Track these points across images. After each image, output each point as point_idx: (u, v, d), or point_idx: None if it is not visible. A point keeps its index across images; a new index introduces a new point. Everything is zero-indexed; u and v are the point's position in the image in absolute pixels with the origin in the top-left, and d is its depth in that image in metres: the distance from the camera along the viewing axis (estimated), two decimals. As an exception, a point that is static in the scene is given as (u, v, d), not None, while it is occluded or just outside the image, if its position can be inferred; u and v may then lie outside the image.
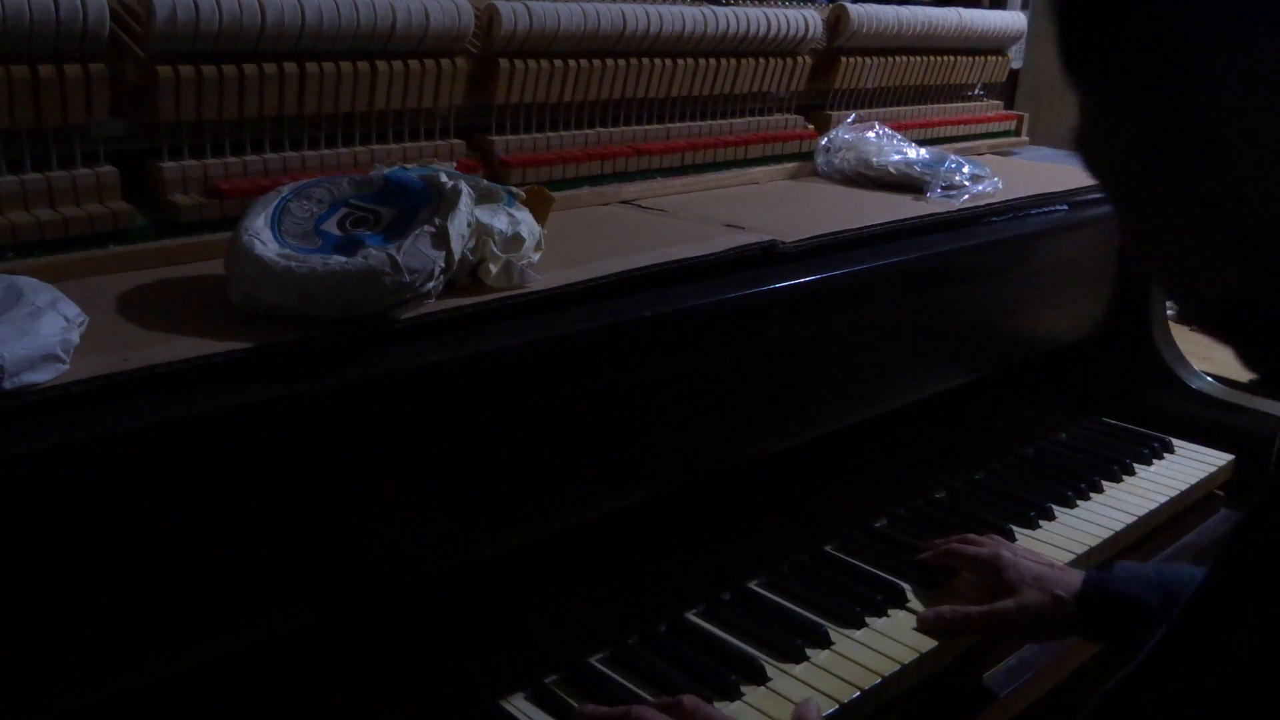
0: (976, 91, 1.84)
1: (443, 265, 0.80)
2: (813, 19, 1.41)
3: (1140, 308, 1.60)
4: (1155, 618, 0.92)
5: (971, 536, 1.14)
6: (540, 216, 0.95)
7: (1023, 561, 1.06)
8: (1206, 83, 0.45)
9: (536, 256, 0.92)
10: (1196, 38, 0.45)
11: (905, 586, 1.09)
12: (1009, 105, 1.91)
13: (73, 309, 0.71)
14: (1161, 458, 1.46)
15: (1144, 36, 0.47)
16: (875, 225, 1.19)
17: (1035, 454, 1.46)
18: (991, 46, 1.77)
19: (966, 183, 1.38)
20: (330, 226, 0.83)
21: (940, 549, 1.12)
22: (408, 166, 0.93)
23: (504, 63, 1.12)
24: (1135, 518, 1.29)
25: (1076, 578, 1.04)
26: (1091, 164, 0.54)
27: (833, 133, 1.47)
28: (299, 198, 0.86)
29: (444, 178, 0.85)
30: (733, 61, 1.34)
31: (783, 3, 1.46)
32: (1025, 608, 1.02)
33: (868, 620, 1.04)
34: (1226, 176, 0.47)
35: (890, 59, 1.57)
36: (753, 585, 1.09)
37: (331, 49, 0.98)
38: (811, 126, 1.50)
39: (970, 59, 1.74)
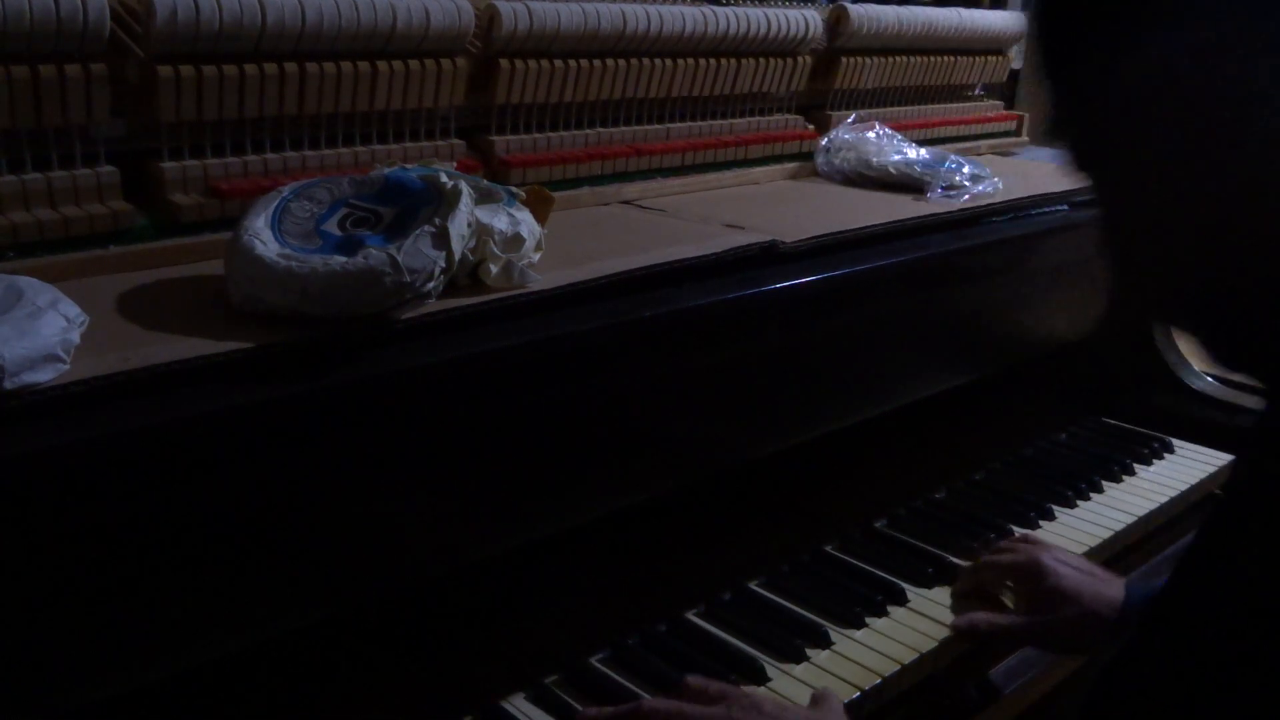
0: (977, 91, 1.84)
1: (443, 265, 0.80)
2: (813, 19, 1.41)
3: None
4: None
5: (1005, 544, 1.12)
6: (540, 216, 0.95)
7: (1063, 570, 1.02)
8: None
9: (536, 256, 0.92)
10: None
11: (905, 586, 1.09)
12: (1009, 105, 1.91)
13: (73, 309, 0.71)
14: (1161, 458, 1.46)
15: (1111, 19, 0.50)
16: (875, 225, 1.19)
17: (1035, 454, 1.46)
18: (991, 46, 1.77)
19: (966, 183, 1.38)
20: (331, 226, 0.83)
21: (976, 565, 1.10)
22: (408, 166, 0.93)
23: (504, 63, 1.12)
24: (1135, 518, 1.29)
25: (1117, 592, 1.00)
26: (1074, 148, 0.56)
27: (833, 133, 1.47)
28: (299, 198, 0.86)
29: (444, 178, 0.85)
30: (733, 61, 1.34)
31: (783, 3, 1.45)
32: (1062, 624, 0.99)
33: (868, 620, 1.04)
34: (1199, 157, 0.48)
35: (890, 59, 1.57)
36: (753, 585, 1.09)
37: (332, 49, 0.98)
38: (811, 126, 1.50)
39: (970, 59, 1.74)
